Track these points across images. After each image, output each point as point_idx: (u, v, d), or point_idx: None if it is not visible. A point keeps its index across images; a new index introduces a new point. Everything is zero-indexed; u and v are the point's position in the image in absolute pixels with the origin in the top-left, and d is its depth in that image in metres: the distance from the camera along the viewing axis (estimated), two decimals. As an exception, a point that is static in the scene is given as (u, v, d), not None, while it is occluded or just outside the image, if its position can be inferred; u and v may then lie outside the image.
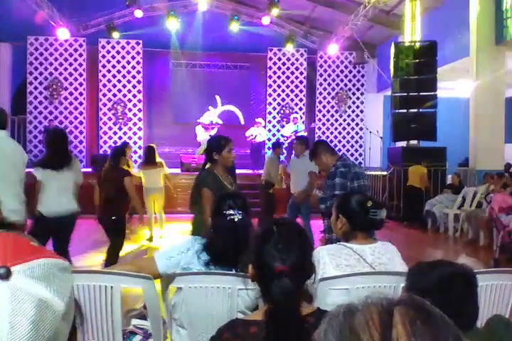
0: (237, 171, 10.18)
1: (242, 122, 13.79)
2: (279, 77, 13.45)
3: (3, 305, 0.63)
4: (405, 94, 9.83)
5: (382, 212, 2.31)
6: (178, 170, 11.34)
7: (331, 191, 3.76)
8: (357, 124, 13.53)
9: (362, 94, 13.59)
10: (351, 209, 2.30)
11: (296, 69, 13.46)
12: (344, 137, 13.52)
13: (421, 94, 9.76)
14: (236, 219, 2.28)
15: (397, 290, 2.22)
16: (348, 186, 3.72)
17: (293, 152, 7.20)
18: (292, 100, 13.49)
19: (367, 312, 0.61)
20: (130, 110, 12.77)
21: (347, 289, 2.15)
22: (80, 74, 12.51)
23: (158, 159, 7.65)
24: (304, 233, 1.45)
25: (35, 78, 12.39)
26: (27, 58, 12.32)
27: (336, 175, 3.76)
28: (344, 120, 13.54)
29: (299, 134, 12.01)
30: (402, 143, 10.40)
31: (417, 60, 9.72)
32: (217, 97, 13.85)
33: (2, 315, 0.63)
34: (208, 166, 3.93)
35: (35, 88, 12.39)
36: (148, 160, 7.58)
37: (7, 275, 0.65)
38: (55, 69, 12.43)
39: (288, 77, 13.46)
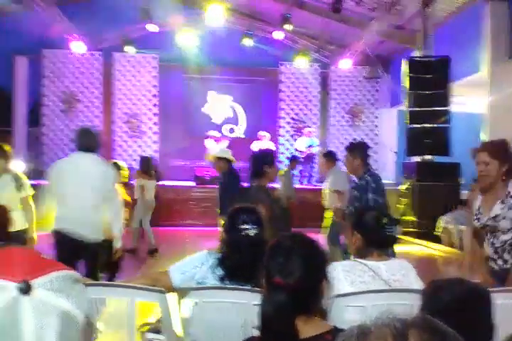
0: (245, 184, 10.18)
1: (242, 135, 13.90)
2: (292, 92, 13.51)
3: (28, 319, 0.65)
4: (419, 109, 9.82)
5: (397, 229, 2.30)
6: (193, 183, 11.40)
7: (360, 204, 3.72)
8: (371, 139, 13.50)
9: (376, 108, 13.59)
10: (366, 225, 2.29)
11: (309, 83, 13.51)
12: (357, 151, 13.47)
13: (434, 109, 9.75)
14: (251, 234, 2.28)
15: (413, 308, 2.20)
16: (378, 202, 3.70)
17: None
18: (305, 114, 13.53)
19: (380, 335, 0.60)
20: (145, 123, 12.88)
21: (362, 306, 2.14)
22: (96, 88, 12.67)
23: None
24: (313, 248, 1.44)
25: (51, 91, 12.56)
26: (43, 71, 12.51)
27: (368, 190, 3.73)
28: (358, 135, 13.53)
29: (313, 149, 12.02)
30: (417, 158, 10.35)
31: (430, 75, 9.72)
32: (237, 106, 14.01)
33: (28, 329, 0.64)
34: (254, 181, 3.93)
35: (51, 101, 12.55)
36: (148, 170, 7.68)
37: (28, 290, 0.66)
38: (71, 82, 12.60)
39: (301, 92, 13.51)
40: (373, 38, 11.41)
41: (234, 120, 14.08)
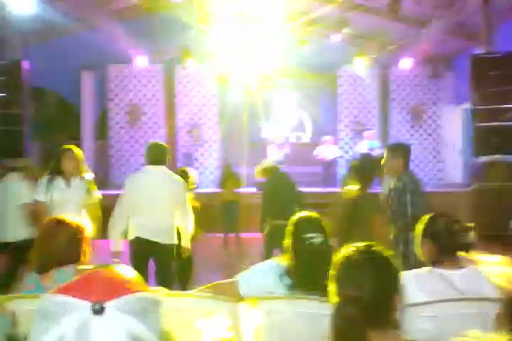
0: (307, 189, 10.19)
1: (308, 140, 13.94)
2: (350, 94, 13.36)
3: (98, 339, 0.67)
4: (485, 106, 9.45)
5: (470, 235, 2.22)
6: (254, 190, 11.47)
7: (400, 208, 3.66)
8: (434, 139, 13.12)
9: (438, 107, 13.20)
10: (438, 233, 2.22)
11: (368, 85, 13.31)
12: (421, 152, 13.13)
13: (502, 106, 9.35)
14: (316, 242, 2.27)
15: (488, 317, 2.12)
16: (418, 204, 3.64)
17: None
18: (365, 116, 13.34)
19: None
20: (206, 132, 13.11)
21: (435, 316, 2.08)
22: (158, 100, 13.04)
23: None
24: (384, 260, 1.41)
25: (116, 104, 13.02)
26: (108, 85, 13.00)
27: (406, 191, 3.67)
28: (420, 135, 13.18)
29: (374, 151, 11.82)
30: (485, 158, 9.96)
31: (497, 72, 9.33)
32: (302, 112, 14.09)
33: None
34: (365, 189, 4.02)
35: (116, 113, 13.01)
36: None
37: (101, 311, 0.69)
38: (135, 95, 13.02)
39: (360, 94, 13.33)
40: (434, 36, 11.10)
41: (300, 126, 14.15)
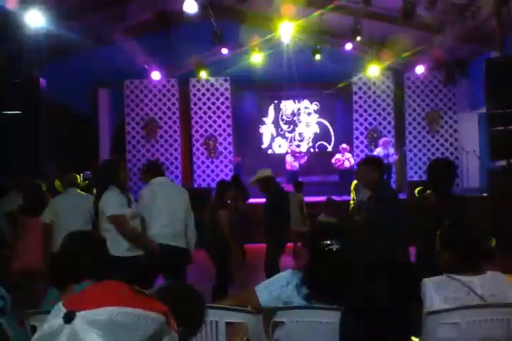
0: (323, 199, 10.17)
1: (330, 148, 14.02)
2: (365, 102, 13.34)
3: None
4: (501, 111, 9.36)
5: (491, 242, 2.19)
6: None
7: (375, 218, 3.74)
8: (451, 144, 13.02)
9: (454, 113, 13.10)
10: (458, 239, 2.20)
11: (383, 92, 13.29)
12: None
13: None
14: (334, 249, 2.26)
15: (510, 324, 2.08)
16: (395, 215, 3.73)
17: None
18: (380, 124, 13.30)
19: None
20: (221, 144, 13.19)
21: (456, 323, 2.05)
22: (174, 113, 13.17)
23: None
24: (403, 269, 1.42)
25: (132, 119, 13.17)
26: (124, 100, 13.17)
27: (382, 201, 3.79)
28: (437, 140, 13.09)
29: (390, 159, 11.77)
30: (503, 162, 9.84)
31: (512, 75, 9.25)
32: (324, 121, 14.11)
33: None
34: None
35: (133, 128, 13.16)
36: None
37: (70, 320, 0.71)
38: (150, 109, 13.17)
39: (374, 101, 13.31)
40: (448, 42, 11.05)
41: (323, 135, 14.28)
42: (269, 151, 14.20)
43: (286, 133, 14.35)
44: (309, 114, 14.32)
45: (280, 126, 14.35)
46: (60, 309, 0.74)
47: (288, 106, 14.31)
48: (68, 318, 0.70)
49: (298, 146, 14.01)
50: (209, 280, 5.50)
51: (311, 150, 14.17)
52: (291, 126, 14.32)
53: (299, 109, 14.35)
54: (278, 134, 14.35)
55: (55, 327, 0.71)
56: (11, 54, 11.09)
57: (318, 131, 14.32)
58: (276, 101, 14.23)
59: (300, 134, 14.32)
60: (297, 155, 12.86)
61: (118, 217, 4.15)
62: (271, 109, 14.26)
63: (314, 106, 14.22)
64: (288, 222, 6.09)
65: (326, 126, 14.35)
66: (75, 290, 2.35)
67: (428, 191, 3.77)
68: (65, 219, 4.99)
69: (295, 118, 14.34)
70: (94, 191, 5.38)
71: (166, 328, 0.77)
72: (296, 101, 14.22)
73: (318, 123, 14.38)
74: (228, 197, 5.48)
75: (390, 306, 1.30)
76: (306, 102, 14.22)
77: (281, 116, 14.31)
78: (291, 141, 14.21)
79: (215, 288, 5.26)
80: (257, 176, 5.79)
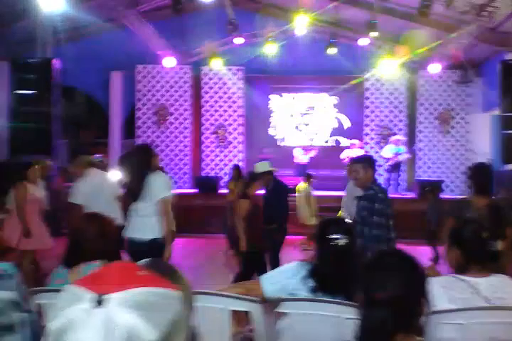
0: (332, 193, 10.15)
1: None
2: (376, 98, 13.27)
3: (96, 330, 0.67)
4: (515, 113, 9.28)
5: (498, 244, 2.19)
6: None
7: (367, 215, 3.79)
8: (462, 145, 12.94)
9: (466, 114, 13.01)
10: (466, 240, 2.20)
11: (396, 89, 13.22)
12: (448, 158, 12.97)
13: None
14: (341, 244, 2.27)
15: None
16: (386, 213, 3.79)
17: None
18: (391, 121, 13.24)
19: None
20: (231, 133, 13.18)
21: (461, 324, 2.05)
22: (185, 100, 13.15)
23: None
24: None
25: (144, 104, 13.17)
26: (136, 85, 13.16)
27: (375, 200, 3.80)
28: (448, 141, 13.01)
29: (400, 156, 11.71)
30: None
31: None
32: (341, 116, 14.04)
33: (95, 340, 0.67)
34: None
35: (144, 114, 13.16)
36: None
37: (103, 303, 0.69)
38: (162, 95, 13.16)
39: (387, 98, 13.24)
40: (464, 42, 10.96)
41: (339, 130, 14.15)
42: (281, 143, 14.13)
43: (302, 126, 14.23)
44: (326, 107, 14.17)
45: (294, 119, 14.23)
46: (77, 292, 0.72)
47: (302, 98, 14.18)
48: (99, 301, 0.69)
49: (311, 140, 13.99)
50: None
51: (326, 144, 14.06)
52: (306, 119, 14.20)
53: (314, 103, 14.20)
54: (292, 127, 14.24)
55: (81, 312, 0.69)
56: (27, 34, 11.11)
57: (336, 126, 14.18)
58: (289, 93, 14.14)
59: (316, 128, 14.20)
60: (307, 148, 12.83)
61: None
62: (283, 101, 14.18)
63: (334, 100, 14.09)
64: (287, 215, 6.11)
65: (343, 120, 14.19)
66: (82, 270, 2.38)
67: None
68: (91, 199, 5.06)
69: (310, 111, 14.22)
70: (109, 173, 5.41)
71: (185, 306, 0.78)
72: (313, 93, 14.09)
73: (337, 116, 14.22)
74: (256, 187, 5.42)
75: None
76: (324, 96, 14.09)
77: (295, 108, 14.20)
78: (306, 135, 14.14)
79: (238, 275, 5.25)
80: (258, 170, 5.75)
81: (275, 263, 5.58)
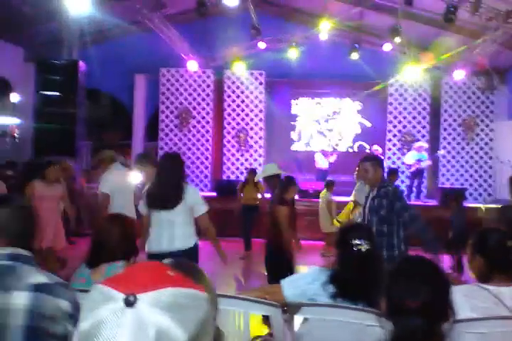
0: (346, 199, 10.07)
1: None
2: (400, 104, 13.17)
3: (127, 331, 0.67)
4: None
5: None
6: (296, 196, 11.42)
7: (387, 213, 3.83)
8: (486, 153, 12.76)
9: (491, 121, 12.83)
10: (489, 248, 2.17)
11: (419, 95, 13.10)
12: (471, 166, 12.79)
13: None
14: (363, 249, 2.26)
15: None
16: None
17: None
18: (414, 127, 13.11)
19: None
20: (252, 138, 13.21)
21: (483, 333, 2.03)
22: (207, 104, 13.23)
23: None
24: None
25: (167, 107, 13.28)
26: (159, 89, 13.28)
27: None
28: (472, 148, 12.84)
29: (422, 163, 11.59)
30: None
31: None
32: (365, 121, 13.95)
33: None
34: None
35: (167, 116, 13.27)
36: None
37: (133, 303, 0.69)
38: (185, 98, 13.25)
39: (410, 104, 13.12)
40: (489, 48, 10.83)
41: (364, 136, 14.05)
42: (303, 148, 14.11)
43: (325, 131, 14.20)
44: (350, 113, 14.11)
45: (318, 124, 14.21)
46: (107, 292, 0.72)
47: (326, 103, 14.15)
48: (130, 302, 0.68)
49: (336, 145, 13.95)
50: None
51: (350, 150, 14.00)
52: (330, 125, 14.16)
53: (338, 108, 14.16)
54: (315, 131, 14.20)
55: (111, 312, 0.69)
56: (53, 37, 11.32)
57: (359, 132, 14.10)
58: (312, 98, 14.13)
59: (339, 133, 14.15)
60: (327, 153, 12.79)
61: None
62: (306, 105, 14.17)
63: (357, 105, 14.05)
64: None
65: (366, 126, 14.12)
66: (105, 270, 2.41)
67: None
68: (116, 192, 5.16)
69: (336, 116, 14.17)
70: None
71: (212, 307, 0.78)
72: (334, 98, 14.07)
73: (359, 123, 14.15)
74: (293, 192, 5.30)
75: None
76: (347, 101, 14.05)
77: (319, 113, 14.17)
78: (329, 140, 14.10)
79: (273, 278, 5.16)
80: (266, 172, 5.68)
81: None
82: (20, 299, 1.70)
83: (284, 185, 5.18)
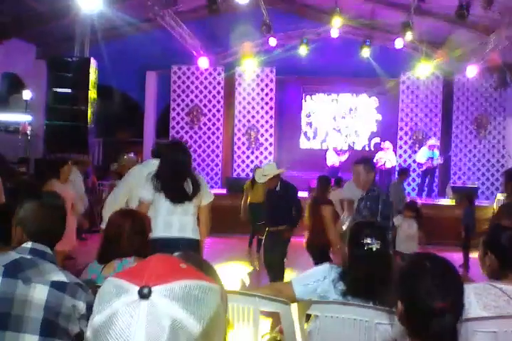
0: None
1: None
2: (412, 101, 13.08)
3: (141, 323, 0.68)
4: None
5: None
6: (306, 194, 11.41)
7: (369, 216, 3.91)
8: (498, 151, 12.64)
9: (504, 118, 12.71)
10: (502, 246, 2.15)
11: (431, 92, 13.00)
12: (484, 165, 12.68)
13: None
14: (374, 249, 2.25)
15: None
16: (389, 215, 4.03)
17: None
18: (426, 125, 13.02)
19: None
20: (262, 135, 13.21)
21: (494, 332, 2.01)
22: (218, 101, 13.24)
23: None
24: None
25: (178, 104, 13.31)
26: (170, 86, 13.31)
27: (379, 201, 3.97)
28: (484, 146, 12.73)
29: (434, 161, 11.50)
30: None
31: None
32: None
33: (139, 333, 0.68)
34: None
35: (178, 114, 13.30)
36: None
37: (147, 295, 0.69)
38: (196, 96, 13.27)
39: (422, 101, 13.03)
40: (502, 44, 10.72)
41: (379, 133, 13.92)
42: (314, 146, 14.07)
43: (342, 128, 14.12)
44: (366, 110, 14.03)
45: (332, 121, 14.15)
46: (120, 284, 0.72)
47: (344, 99, 14.08)
48: (144, 294, 0.69)
49: (352, 143, 13.90)
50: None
51: (366, 148, 13.92)
52: (346, 122, 14.10)
53: (354, 105, 14.09)
54: (329, 129, 14.16)
55: (125, 305, 0.69)
56: (65, 34, 11.37)
57: (374, 130, 14.02)
58: (325, 94, 14.08)
59: (354, 131, 14.09)
60: (339, 151, 12.74)
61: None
62: (321, 102, 14.12)
63: (374, 102, 13.96)
64: (300, 216, 5.96)
65: (382, 123, 14.03)
66: (116, 266, 2.43)
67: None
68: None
69: (353, 113, 14.10)
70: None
71: (223, 299, 0.79)
72: (355, 94, 13.99)
73: (375, 120, 14.07)
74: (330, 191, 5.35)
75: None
76: (364, 97, 13.96)
77: (332, 110, 14.11)
78: (343, 137, 14.04)
79: None
80: (271, 172, 5.63)
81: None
82: (39, 293, 1.74)
83: (324, 185, 5.27)
